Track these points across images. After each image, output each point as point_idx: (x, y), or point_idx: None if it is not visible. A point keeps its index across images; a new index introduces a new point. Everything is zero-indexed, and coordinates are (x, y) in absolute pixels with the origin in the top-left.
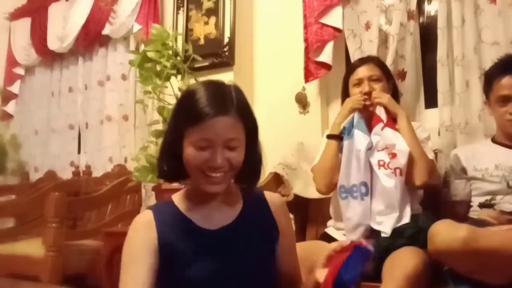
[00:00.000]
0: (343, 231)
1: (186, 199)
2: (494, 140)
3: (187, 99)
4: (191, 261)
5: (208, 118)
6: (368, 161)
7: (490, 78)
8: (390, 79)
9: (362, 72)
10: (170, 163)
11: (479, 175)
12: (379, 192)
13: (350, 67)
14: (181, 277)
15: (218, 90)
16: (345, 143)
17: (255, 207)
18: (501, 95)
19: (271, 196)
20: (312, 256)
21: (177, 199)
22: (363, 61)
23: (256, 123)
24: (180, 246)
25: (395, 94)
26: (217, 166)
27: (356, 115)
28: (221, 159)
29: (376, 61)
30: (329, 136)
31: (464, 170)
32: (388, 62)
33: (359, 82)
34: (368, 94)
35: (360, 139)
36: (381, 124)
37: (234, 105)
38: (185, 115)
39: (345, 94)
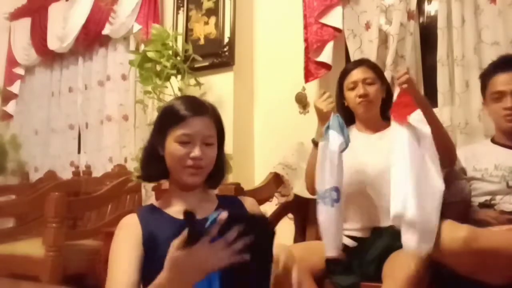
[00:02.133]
0: (343, 231)
1: (165, 201)
2: (493, 141)
3: (169, 108)
4: (167, 246)
5: (188, 117)
6: (342, 164)
7: (484, 78)
8: (384, 82)
9: (356, 75)
10: (153, 164)
11: (478, 175)
12: None
13: (344, 71)
14: (159, 260)
15: (195, 99)
16: (320, 145)
17: (230, 206)
18: (494, 91)
19: (244, 198)
20: (312, 256)
21: (157, 202)
22: (356, 64)
23: (224, 131)
24: (160, 235)
25: (389, 98)
26: (197, 157)
27: (332, 116)
28: (200, 151)
29: (369, 64)
30: (313, 142)
31: (463, 171)
32: (388, 62)
33: (354, 86)
34: (364, 96)
35: (334, 139)
36: (419, 111)
37: (209, 110)
38: (168, 119)
39: (340, 98)
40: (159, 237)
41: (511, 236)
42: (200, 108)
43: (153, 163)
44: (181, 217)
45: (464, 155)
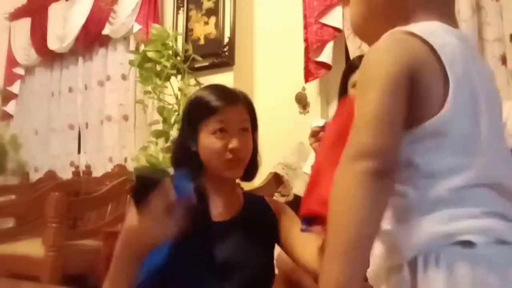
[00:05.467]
0: None
1: None
2: None
3: (198, 100)
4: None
5: (222, 108)
6: None
7: None
8: None
9: None
10: (187, 162)
11: None
12: None
13: (351, 65)
14: (179, 255)
15: (224, 87)
16: None
17: (255, 209)
18: None
19: (271, 199)
20: None
21: None
22: None
23: (257, 119)
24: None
25: None
26: (236, 148)
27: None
28: (238, 142)
29: None
30: None
31: None
32: None
33: None
34: None
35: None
36: None
37: (241, 97)
38: (199, 112)
39: (343, 92)
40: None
41: None
42: (232, 96)
43: (187, 160)
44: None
45: None
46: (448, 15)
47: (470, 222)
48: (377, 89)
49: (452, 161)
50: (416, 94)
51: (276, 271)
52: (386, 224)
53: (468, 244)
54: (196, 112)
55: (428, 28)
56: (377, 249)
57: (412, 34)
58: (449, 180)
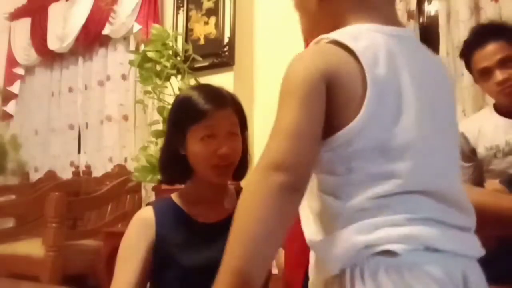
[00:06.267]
0: None
1: (184, 197)
2: (497, 111)
3: (185, 102)
4: (184, 250)
5: (210, 113)
6: None
7: (465, 57)
8: None
9: None
10: (175, 166)
11: (491, 154)
12: None
13: None
14: (174, 265)
15: (212, 89)
16: None
17: None
18: (479, 69)
19: None
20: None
21: (175, 196)
22: None
23: (246, 117)
24: (175, 236)
25: None
26: (225, 153)
27: None
28: (227, 147)
29: None
30: None
31: (473, 152)
32: None
33: None
34: None
35: None
36: None
37: (229, 99)
38: (187, 116)
39: None
40: (172, 241)
41: (497, 195)
42: (221, 99)
43: (175, 164)
44: (201, 219)
45: (472, 135)
46: (384, 13)
47: (392, 231)
48: (293, 102)
49: (374, 168)
50: (335, 102)
51: (277, 271)
52: (315, 235)
53: (391, 253)
54: (183, 116)
55: (352, 32)
56: (312, 262)
57: (334, 42)
58: (371, 188)
